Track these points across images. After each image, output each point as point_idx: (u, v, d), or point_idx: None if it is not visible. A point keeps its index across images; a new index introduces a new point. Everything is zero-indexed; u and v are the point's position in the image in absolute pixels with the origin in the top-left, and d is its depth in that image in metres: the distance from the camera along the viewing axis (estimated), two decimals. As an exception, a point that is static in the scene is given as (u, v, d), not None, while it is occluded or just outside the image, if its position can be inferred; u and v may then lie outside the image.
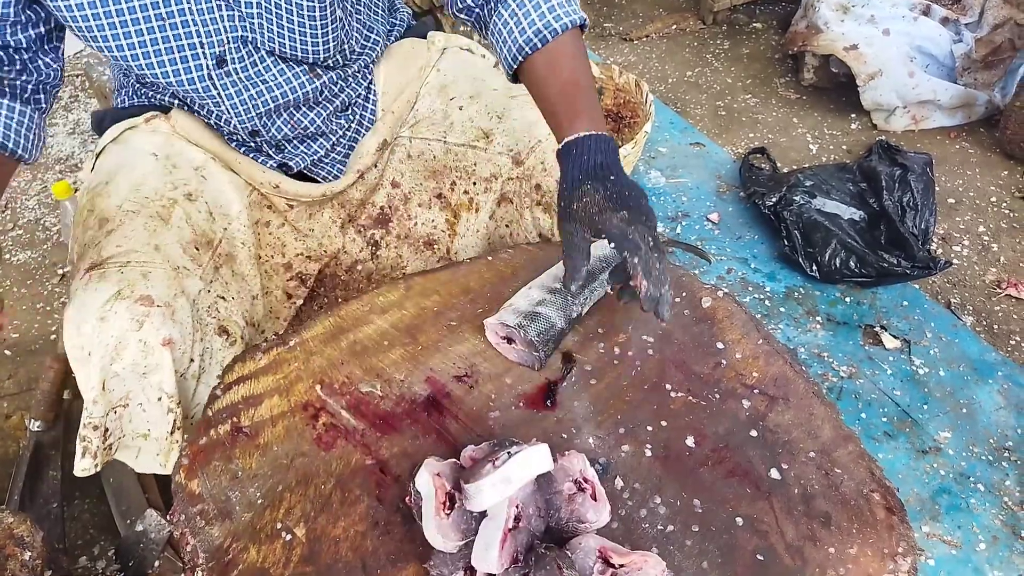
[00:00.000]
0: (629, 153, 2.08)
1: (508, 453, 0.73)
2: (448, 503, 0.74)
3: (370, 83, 1.32)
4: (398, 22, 1.39)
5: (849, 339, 1.89)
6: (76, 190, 1.90)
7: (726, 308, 1.05)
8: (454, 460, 0.80)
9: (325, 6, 1.08)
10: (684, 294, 1.08)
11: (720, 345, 1.00)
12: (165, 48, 1.06)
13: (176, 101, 1.23)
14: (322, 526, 0.80)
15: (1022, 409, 1.71)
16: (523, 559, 0.71)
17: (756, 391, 0.94)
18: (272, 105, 1.17)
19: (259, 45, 1.10)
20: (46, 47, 1.07)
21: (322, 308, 1.33)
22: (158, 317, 0.98)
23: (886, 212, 2.03)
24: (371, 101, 1.33)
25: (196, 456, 0.87)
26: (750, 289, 2.04)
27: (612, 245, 0.90)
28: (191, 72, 1.10)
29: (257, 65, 1.13)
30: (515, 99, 1.30)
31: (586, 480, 0.77)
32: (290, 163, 1.26)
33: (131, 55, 1.06)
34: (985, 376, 1.79)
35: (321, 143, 1.28)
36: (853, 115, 2.66)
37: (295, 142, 1.25)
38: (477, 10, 1.09)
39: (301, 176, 1.30)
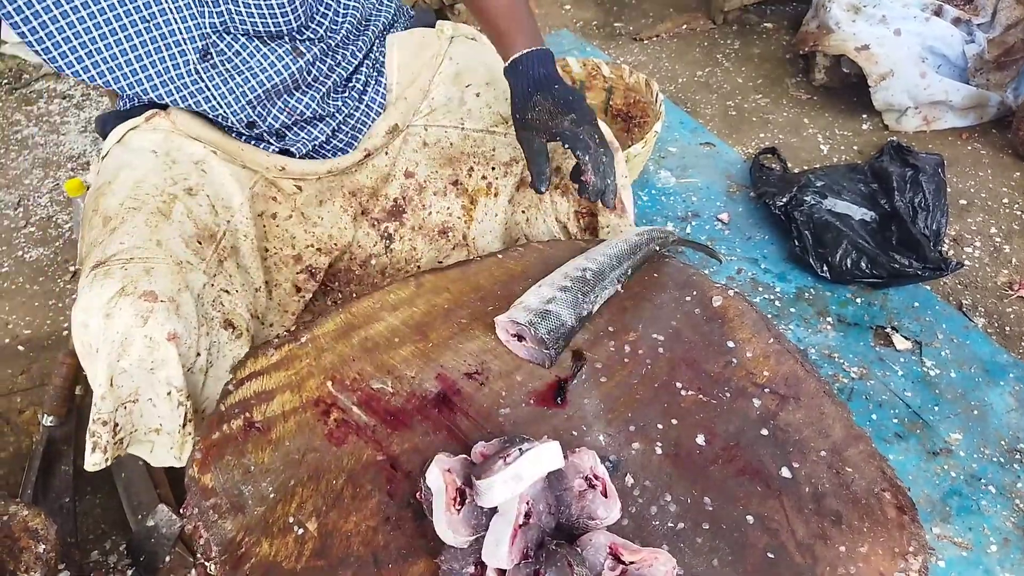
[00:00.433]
0: (639, 153, 2.08)
1: (519, 450, 0.73)
2: (459, 499, 0.74)
3: (373, 66, 1.32)
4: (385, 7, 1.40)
5: (860, 340, 1.88)
6: (88, 187, 1.91)
7: (737, 307, 1.05)
8: (465, 456, 0.80)
9: None
10: (694, 293, 1.08)
11: (731, 344, 1.00)
12: (146, 52, 1.08)
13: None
14: (334, 521, 0.80)
15: (1034, 411, 1.71)
16: (533, 555, 0.72)
17: (767, 390, 0.94)
18: (261, 91, 1.17)
19: (236, 27, 1.11)
20: None
21: (336, 303, 1.34)
22: (162, 312, 0.98)
23: (897, 213, 2.02)
24: (374, 87, 1.33)
25: (209, 450, 0.87)
26: (760, 289, 2.03)
27: (565, 144, 1.05)
28: (179, 69, 1.11)
29: (241, 53, 1.14)
30: None
31: (596, 477, 0.77)
32: (292, 149, 1.27)
33: (113, 76, 1.09)
34: (996, 378, 1.78)
35: (322, 128, 1.27)
36: (864, 115, 2.65)
37: (295, 129, 1.26)
38: None
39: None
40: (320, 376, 0.96)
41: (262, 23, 1.12)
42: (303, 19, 1.15)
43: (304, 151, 1.28)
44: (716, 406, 0.92)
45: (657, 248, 1.14)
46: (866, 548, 0.78)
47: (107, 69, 1.08)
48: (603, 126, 1.21)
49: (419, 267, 1.40)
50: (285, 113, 1.22)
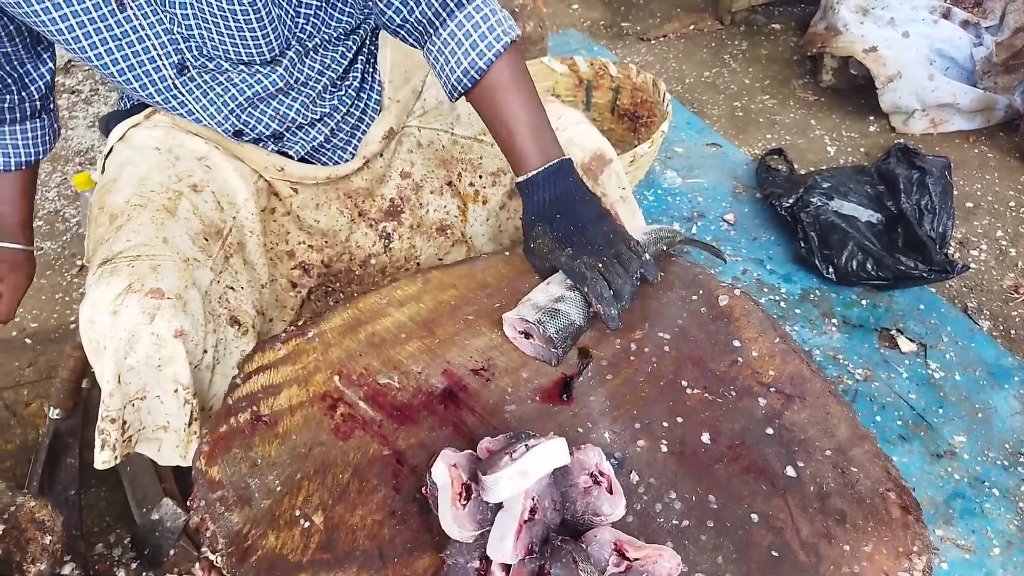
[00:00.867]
0: (646, 152, 2.08)
1: (526, 446, 0.74)
2: (464, 494, 0.75)
3: (367, 60, 1.31)
4: None
5: (865, 342, 1.88)
6: (96, 182, 1.92)
7: (743, 306, 1.05)
8: (470, 451, 0.81)
9: (259, 8, 1.03)
10: (701, 292, 1.08)
11: (736, 343, 1.00)
12: (125, 58, 1.08)
13: None
14: (340, 514, 0.80)
15: (1039, 415, 1.70)
16: (538, 551, 0.72)
17: (772, 389, 0.94)
18: (242, 98, 1.16)
19: (209, 52, 1.10)
20: (37, 49, 1.10)
21: (338, 303, 1.35)
22: (169, 309, 0.98)
23: (904, 215, 2.02)
24: (370, 85, 1.32)
25: (216, 443, 0.88)
26: (765, 290, 2.03)
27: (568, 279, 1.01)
28: (156, 83, 1.12)
29: (218, 68, 1.12)
30: None
31: (602, 473, 0.77)
32: (290, 152, 1.27)
33: (107, 69, 1.09)
34: (1001, 381, 1.78)
35: (319, 128, 1.27)
36: (871, 117, 2.65)
37: (292, 130, 1.25)
38: (413, 38, 1.11)
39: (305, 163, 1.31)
40: (327, 371, 0.96)
41: (235, 55, 1.09)
42: (277, 51, 1.11)
43: (303, 152, 1.28)
44: (721, 405, 0.93)
45: (664, 247, 1.15)
46: (870, 547, 0.78)
47: (101, 66, 1.08)
48: (610, 170, 1.22)
49: (419, 265, 1.41)
50: (276, 120, 1.21)
